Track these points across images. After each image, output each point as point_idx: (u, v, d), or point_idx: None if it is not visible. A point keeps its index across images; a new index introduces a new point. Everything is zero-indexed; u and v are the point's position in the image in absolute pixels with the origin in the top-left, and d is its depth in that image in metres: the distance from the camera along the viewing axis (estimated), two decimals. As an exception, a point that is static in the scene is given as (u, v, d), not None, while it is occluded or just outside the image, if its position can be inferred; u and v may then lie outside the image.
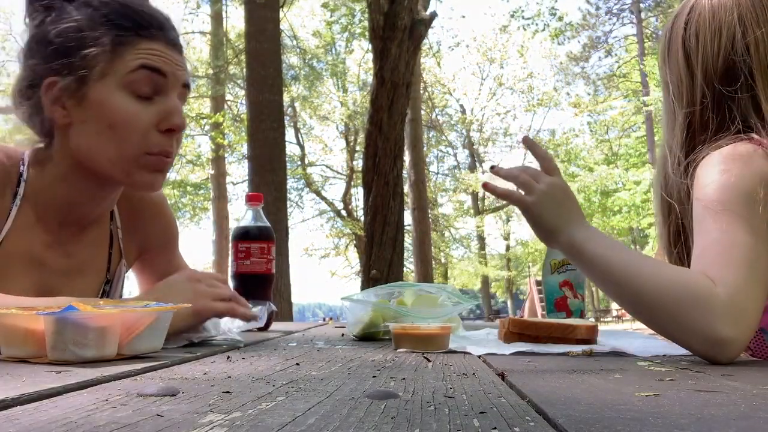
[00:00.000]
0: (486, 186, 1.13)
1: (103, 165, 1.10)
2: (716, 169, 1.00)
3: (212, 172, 18.39)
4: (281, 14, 9.52)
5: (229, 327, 1.22)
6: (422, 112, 18.79)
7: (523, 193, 1.09)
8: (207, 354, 0.92)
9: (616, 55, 25.41)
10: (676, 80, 1.15)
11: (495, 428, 0.42)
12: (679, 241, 1.15)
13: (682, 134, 1.13)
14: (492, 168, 1.13)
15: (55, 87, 1.07)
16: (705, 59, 1.10)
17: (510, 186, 1.12)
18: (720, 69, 1.09)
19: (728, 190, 0.96)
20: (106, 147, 1.08)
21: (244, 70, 9.36)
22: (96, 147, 1.08)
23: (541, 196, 1.07)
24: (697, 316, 0.88)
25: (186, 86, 1.15)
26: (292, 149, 21.66)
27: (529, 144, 1.15)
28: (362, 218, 9.31)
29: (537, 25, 16.10)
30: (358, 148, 21.34)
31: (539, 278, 17.13)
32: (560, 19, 16.11)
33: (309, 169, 23.75)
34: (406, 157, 12.28)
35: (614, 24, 25.28)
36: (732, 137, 1.05)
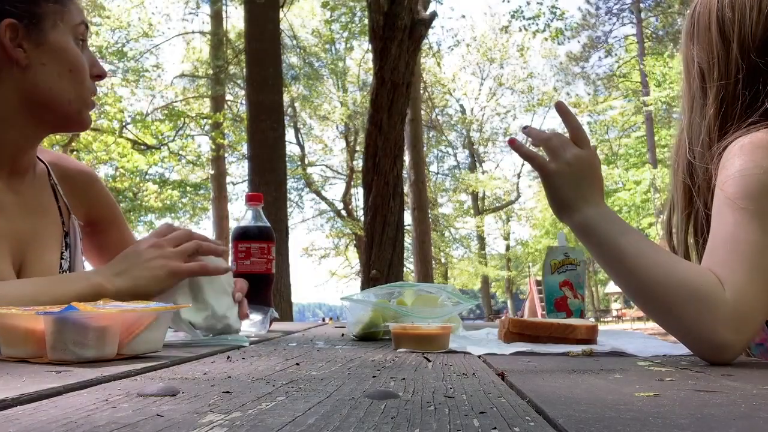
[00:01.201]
0: (512, 142, 1.09)
1: (62, 104, 1.19)
2: (744, 159, 0.96)
3: (212, 172, 18.39)
4: (281, 14, 9.53)
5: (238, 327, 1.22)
6: (422, 112, 18.79)
7: (548, 159, 1.05)
8: (207, 354, 0.92)
9: (616, 55, 25.42)
10: (706, 56, 1.10)
11: (495, 428, 0.42)
12: (705, 231, 1.09)
13: (715, 112, 1.08)
14: (524, 128, 1.10)
15: (14, 29, 1.14)
16: (742, 30, 1.06)
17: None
18: (759, 40, 1.05)
19: (753, 184, 0.93)
20: (67, 88, 1.19)
21: (244, 70, 9.36)
22: (57, 88, 1.18)
23: (564, 167, 1.03)
24: (701, 318, 0.87)
25: None
26: (292, 149, 21.69)
27: (563, 110, 1.09)
28: (362, 218, 9.31)
29: (538, 25, 16.06)
30: (358, 148, 21.35)
31: (539, 278, 17.14)
32: (560, 18, 16.07)
33: (309, 169, 23.76)
34: (406, 157, 12.28)
35: (614, 24, 25.30)
36: (766, 123, 1.01)
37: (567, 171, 1.03)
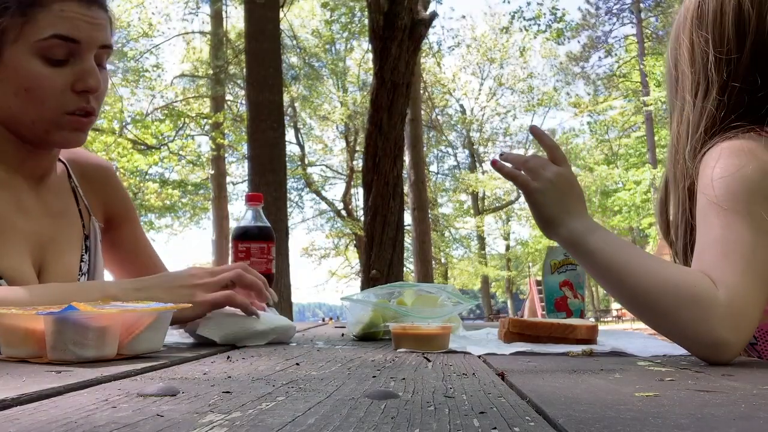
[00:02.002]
0: (494, 163, 1.11)
1: (25, 124, 1.13)
2: (723, 163, 0.97)
3: (212, 172, 18.40)
4: (281, 14, 9.53)
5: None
6: (422, 112, 18.79)
7: (530, 178, 1.08)
8: (207, 354, 0.92)
9: (616, 55, 25.41)
10: (717, 46, 1.06)
11: (495, 428, 0.42)
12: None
13: (717, 110, 1.06)
14: (501, 155, 1.12)
15: None
16: (760, 27, 1.03)
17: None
18: None
19: (734, 185, 0.94)
20: (26, 108, 1.12)
21: (244, 70, 9.36)
22: (16, 107, 1.12)
23: (547, 184, 1.05)
24: (697, 319, 0.87)
25: (105, 46, 1.16)
26: (292, 149, 21.70)
27: (537, 133, 1.13)
28: (362, 218, 9.31)
29: (539, 25, 16.09)
30: (358, 148, 21.35)
31: (539, 278, 17.15)
32: (560, 20, 16.09)
33: (309, 169, 23.76)
34: (406, 157, 12.28)
35: (614, 24, 25.29)
36: (745, 129, 1.02)
37: (550, 188, 1.05)
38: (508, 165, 1.11)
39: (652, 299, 0.91)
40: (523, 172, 1.08)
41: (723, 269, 0.89)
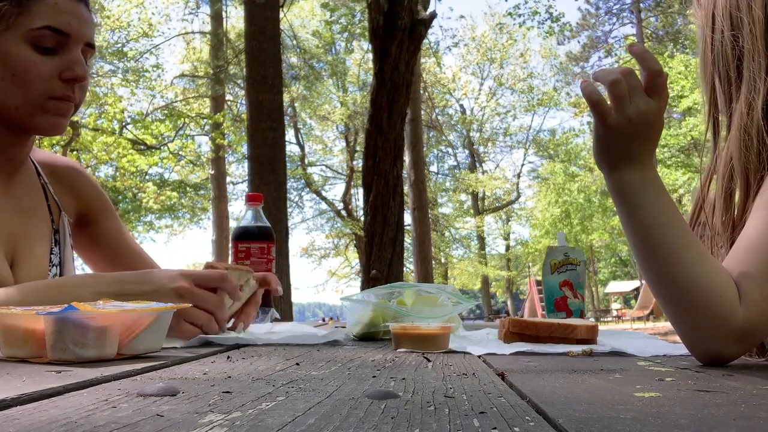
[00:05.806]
0: (584, 82, 0.93)
1: (9, 108, 1.17)
2: None
3: (212, 172, 18.40)
4: (281, 14, 9.53)
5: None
6: (422, 112, 18.80)
7: (611, 107, 0.90)
8: (207, 354, 0.92)
9: (616, 55, 25.41)
10: None
11: (495, 428, 0.42)
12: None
13: None
14: (595, 73, 0.95)
15: None
16: None
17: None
18: None
19: None
20: (12, 92, 1.15)
21: (244, 70, 9.37)
22: (2, 92, 1.15)
23: (624, 124, 0.89)
24: (708, 332, 0.85)
25: (89, 45, 1.21)
26: (292, 149, 21.73)
27: (639, 52, 0.92)
28: (362, 218, 9.32)
29: (532, 20, 16.19)
30: (358, 148, 21.38)
31: (539, 278, 17.15)
32: (556, 19, 16.15)
33: (309, 169, 23.78)
34: (406, 157, 12.29)
35: (614, 24, 25.30)
36: None
37: (625, 129, 0.89)
38: (596, 89, 0.93)
39: (675, 292, 0.87)
40: (606, 97, 0.91)
41: (752, 280, 0.84)
